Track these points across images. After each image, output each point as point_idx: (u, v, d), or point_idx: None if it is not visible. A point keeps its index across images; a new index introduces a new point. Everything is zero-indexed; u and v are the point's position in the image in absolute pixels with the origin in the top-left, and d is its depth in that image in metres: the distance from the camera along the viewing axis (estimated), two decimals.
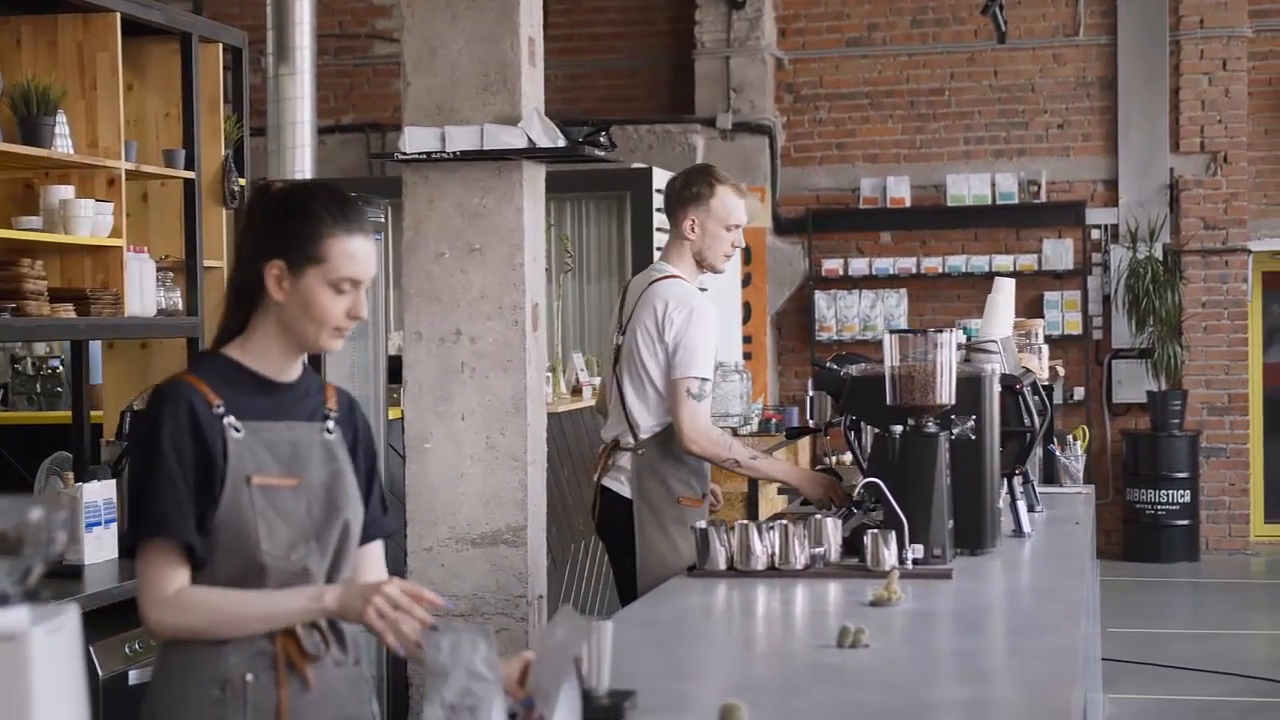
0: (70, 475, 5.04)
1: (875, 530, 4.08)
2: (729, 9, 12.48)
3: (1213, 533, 12.16)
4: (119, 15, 5.32)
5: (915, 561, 4.09)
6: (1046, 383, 6.18)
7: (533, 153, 4.93)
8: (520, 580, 4.98)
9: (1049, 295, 12.23)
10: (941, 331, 4.26)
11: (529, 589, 4.99)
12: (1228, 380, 12.22)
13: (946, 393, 4.23)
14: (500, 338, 4.99)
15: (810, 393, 5.22)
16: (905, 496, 4.13)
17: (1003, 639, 3.70)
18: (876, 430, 4.39)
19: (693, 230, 4.90)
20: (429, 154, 4.94)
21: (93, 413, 5.68)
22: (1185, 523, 11.90)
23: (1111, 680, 7.61)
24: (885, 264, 12.43)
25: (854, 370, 4.53)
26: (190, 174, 5.67)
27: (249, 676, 2.72)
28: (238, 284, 2.82)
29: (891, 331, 4.31)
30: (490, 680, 2.35)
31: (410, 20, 5.04)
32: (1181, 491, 11.86)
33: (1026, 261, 12.20)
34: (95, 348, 6.04)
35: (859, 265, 12.46)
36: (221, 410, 2.75)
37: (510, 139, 4.90)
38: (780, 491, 6.36)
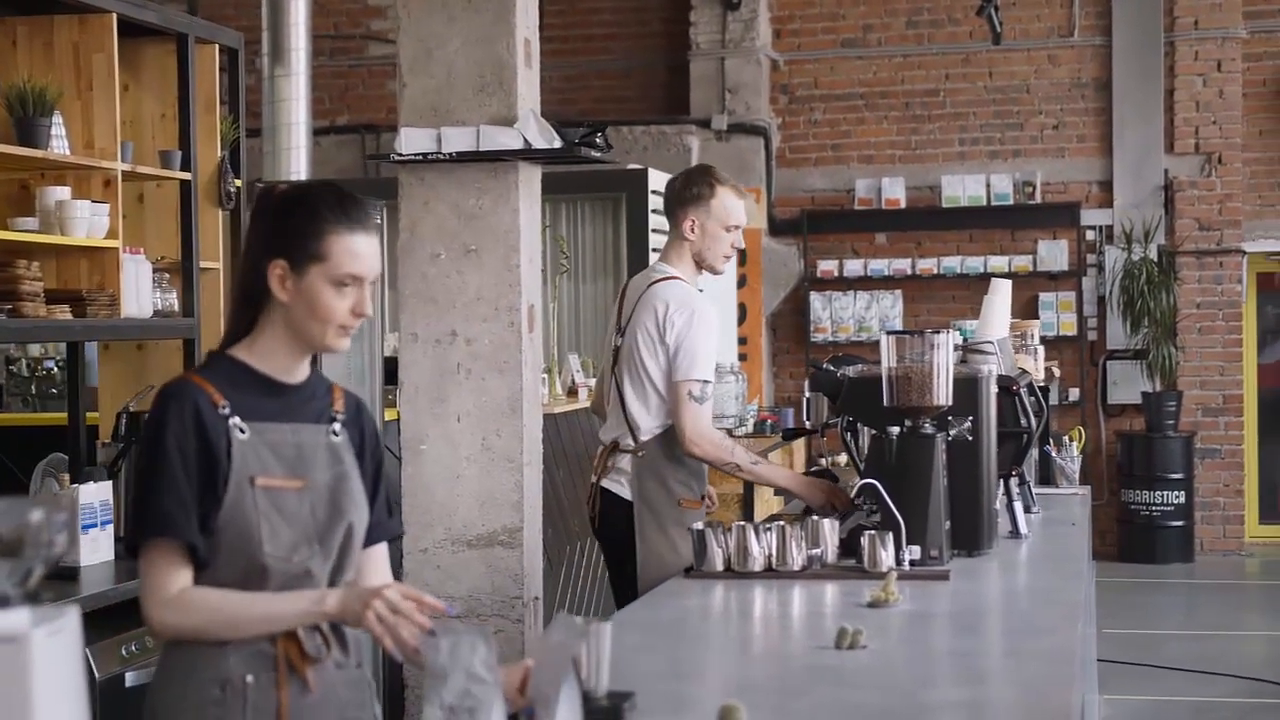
0: (66, 477, 5.03)
1: (872, 531, 4.09)
2: (724, 10, 12.49)
3: (1207, 534, 12.17)
4: (115, 16, 5.32)
5: (912, 563, 4.09)
6: (1042, 384, 6.19)
7: (529, 154, 4.92)
8: (516, 582, 4.98)
9: (1044, 296, 12.24)
10: (939, 333, 4.27)
11: (525, 590, 4.99)
12: (1222, 381, 12.23)
13: (943, 394, 4.23)
14: (496, 339, 4.99)
15: (807, 394, 5.22)
16: (902, 498, 4.13)
17: (1000, 640, 3.70)
18: (873, 431, 4.40)
19: (692, 231, 4.90)
20: (425, 155, 4.94)
21: (88, 414, 5.67)
22: (1180, 524, 11.92)
23: (1106, 681, 7.61)
24: (880, 265, 12.44)
25: (851, 371, 4.53)
26: (186, 175, 5.67)
27: (249, 678, 2.73)
28: (243, 285, 2.83)
29: (889, 333, 4.31)
30: (489, 682, 2.35)
31: (406, 21, 5.03)
32: (1176, 492, 11.87)
33: (1021, 262, 12.21)
34: (91, 349, 6.04)
35: (854, 266, 12.47)
36: (227, 411, 2.75)
37: (506, 140, 4.89)
38: (777, 493, 6.36)
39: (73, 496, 4.68)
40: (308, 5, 6.84)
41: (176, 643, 2.76)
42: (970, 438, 4.39)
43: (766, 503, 8.19)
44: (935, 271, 12.36)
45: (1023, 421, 4.89)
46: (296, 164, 6.73)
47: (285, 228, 2.77)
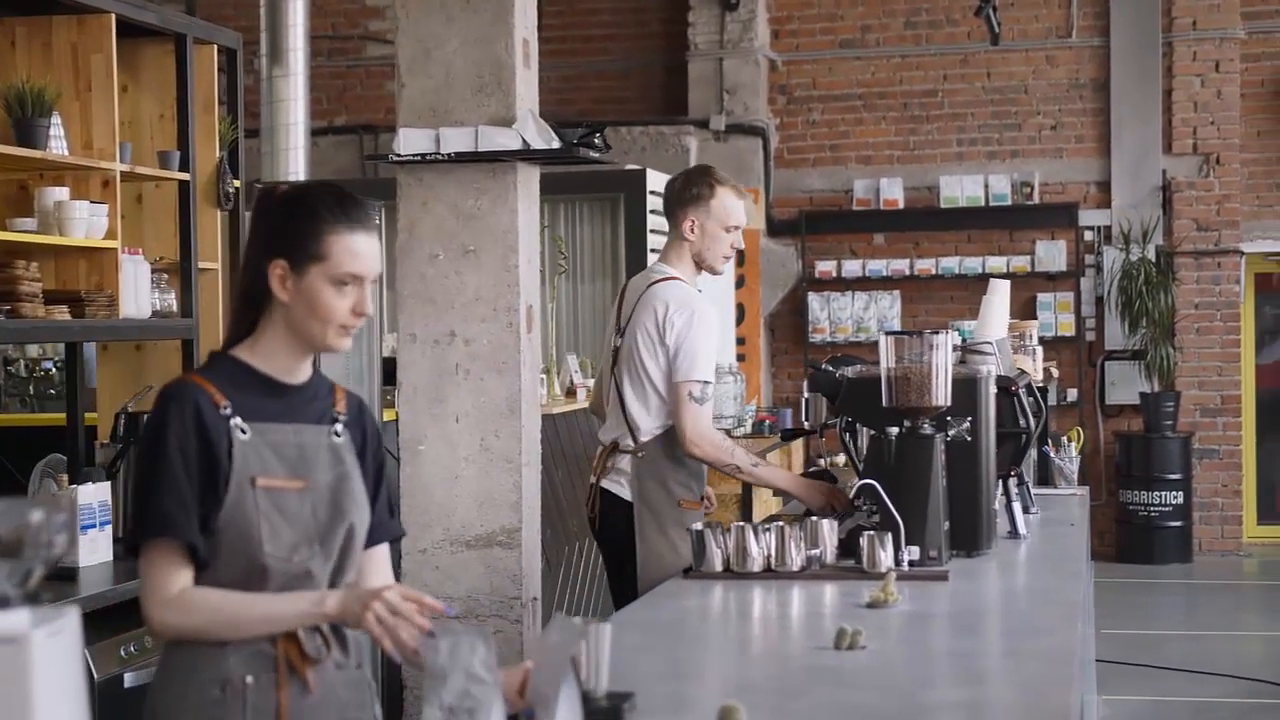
0: (64, 478, 5.03)
1: (871, 532, 4.09)
2: (722, 11, 12.49)
3: (1206, 534, 12.18)
4: (114, 17, 5.32)
5: (911, 563, 4.09)
6: (1041, 384, 6.19)
7: (527, 154, 4.92)
8: (515, 582, 4.98)
9: (1042, 297, 12.24)
10: (937, 333, 4.27)
11: (524, 591, 4.98)
12: (1220, 382, 12.24)
13: (942, 394, 4.23)
14: (495, 339, 4.99)
15: (805, 394, 5.22)
16: (901, 498, 4.13)
17: (999, 640, 3.70)
18: (872, 432, 4.40)
19: (692, 231, 4.90)
20: (423, 155, 4.94)
21: (87, 415, 5.67)
22: (1178, 524, 11.92)
23: (1105, 681, 7.61)
24: (879, 265, 12.44)
25: (850, 372, 4.53)
26: (185, 175, 5.67)
27: (249, 678, 2.73)
28: (244, 286, 2.83)
29: (887, 333, 4.31)
30: (489, 683, 2.35)
31: (405, 22, 5.03)
32: (1174, 493, 11.87)
33: (1019, 263, 12.21)
34: (90, 349, 6.03)
35: (852, 267, 12.47)
36: (228, 411, 2.75)
37: (505, 140, 4.89)
38: (776, 493, 6.35)
39: (71, 497, 4.68)
40: (306, 6, 6.84)
41: (176, 643, 2.76)
42: (969, 438, 4.39)
43: (765, 503, 8.19)
44: (933, 272, 12.37)
45: (1021, 422, 4.89)
46: (295, 164, 6.73)
47: (285, 228, 2.78)
